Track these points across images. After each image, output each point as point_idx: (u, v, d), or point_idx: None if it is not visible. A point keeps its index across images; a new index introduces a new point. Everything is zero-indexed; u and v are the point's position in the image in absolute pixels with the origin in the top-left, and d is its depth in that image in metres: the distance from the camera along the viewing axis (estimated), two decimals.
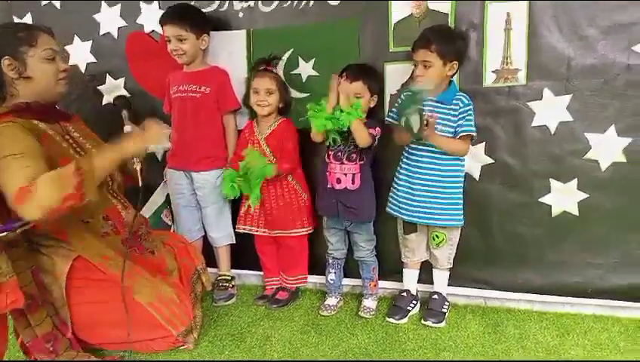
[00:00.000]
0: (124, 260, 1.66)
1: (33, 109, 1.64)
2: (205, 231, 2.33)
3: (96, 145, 1.82)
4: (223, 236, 2.29)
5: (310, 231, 2.20)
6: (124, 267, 1.65)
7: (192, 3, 2.19)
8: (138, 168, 1.74)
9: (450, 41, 1.81)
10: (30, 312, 1.59)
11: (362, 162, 1.98)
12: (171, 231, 2.35)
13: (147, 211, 2.25)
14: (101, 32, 2.38)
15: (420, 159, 1.90)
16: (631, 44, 1.78)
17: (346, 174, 1.99)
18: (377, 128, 1.93)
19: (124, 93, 2.38)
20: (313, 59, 2.12)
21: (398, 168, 1.98)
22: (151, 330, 1.70)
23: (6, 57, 1.57)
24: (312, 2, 2.07)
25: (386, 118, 2.01)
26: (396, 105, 1.92)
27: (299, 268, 2.23)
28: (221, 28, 2.20)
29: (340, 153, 1.99)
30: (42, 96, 1.67)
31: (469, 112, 1.85)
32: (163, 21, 2.09)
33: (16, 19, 2.48)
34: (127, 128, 1.77)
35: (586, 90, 1.85)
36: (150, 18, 2.29)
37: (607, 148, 1.86)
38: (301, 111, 2.06)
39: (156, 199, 2.34)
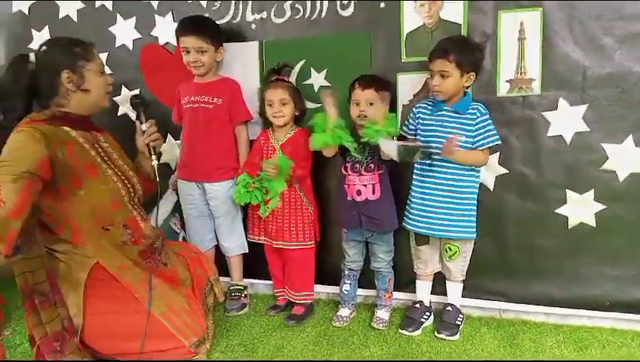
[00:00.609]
0: (149, 279, 1.69)
1: (70, 118, 1.71)
2: (218, 241, 2.34)
3: (121, 157, 1.86)
4: (235, 246, 2.29)
5: (312, 246, 2.16)
6: (151, 289, 1.68)
7: (206, 15, 2.22)
8: (155, 164, 1.82)
9: (469, 51, 1.80)
10: (43, 309, 1.62)
11: (381, 172, 1.97)
12: (180, 239, 2.36)
13: (155, 220, 2.26)
14: (116, 44, 2.41)
15: (432, 171, 1.89)
16: None
17: (365, 185, 1.98)
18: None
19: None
20: (325, 70, 2.13)
21: (412, 180, 1.96)
22: (163, 341, 1.70)
23: (66, 70, 1.66)
24: (324, 13, 2.08)
25: (399, 131, 2.01)
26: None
27: (304, 284, 2.16)
28: (234, 39, 2.22)
29: (357, 165, 1.98)
30: (90, 108, 1.77)
31: (489, 122, 1.84)
32: (182, 32, 2.09)
33: (34, 32, 2.53)
34: (144, 126, 1.85)
35: (603, 100, 1.82)
36: (165, 30, 2.32)
37: (624, 158, 1.83)
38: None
39: (164, 208, 2.34)
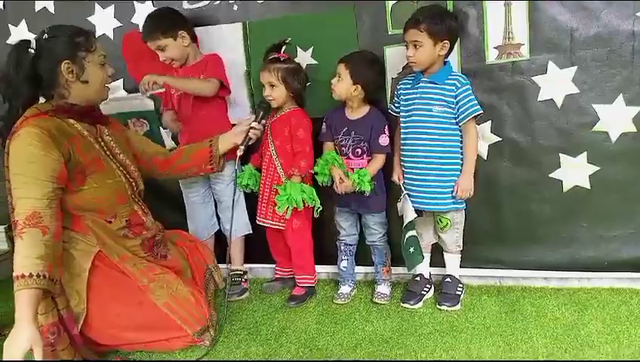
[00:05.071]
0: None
1: (76, 111, 1.68)
2: (220, 225, 2.33)
3: (124, 151, 1.83)
4: (239, 227, 2.26)
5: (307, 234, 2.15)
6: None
7: None
8: (240, 154, 1.98)
9: (440, 20, 1.77)
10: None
11: (370, 158, 1.97)
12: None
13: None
14: (97, 34, 2.35)
15: (415, 145, 1.89)
16: (636, 10, 1.74)
17: (353, 169, 1.97)
18: (387, 134, 1.94)
19: (123, 94, 2.36)
20: (311, 48, 2.09)
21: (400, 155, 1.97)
22: (166, 331, 1.70)
23: (66, 61, 1.61)
24: None
25: (388, 109, 2.01)
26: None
27: (302, 268, 2.16)
28: (216, 22, 2.18)
29: (344, 148, 1.98)
30: (90, 100, 1.73)
31: (469, 92, 1.82)
32: (143, 38, 2.08)
33: (11, 27, 2.47)
34: (256, 125, 1.99)
35: (592, 61, 1.81)
36: (145, 16, 2.25)
37: (616, 118, 1.83)
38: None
39: None
